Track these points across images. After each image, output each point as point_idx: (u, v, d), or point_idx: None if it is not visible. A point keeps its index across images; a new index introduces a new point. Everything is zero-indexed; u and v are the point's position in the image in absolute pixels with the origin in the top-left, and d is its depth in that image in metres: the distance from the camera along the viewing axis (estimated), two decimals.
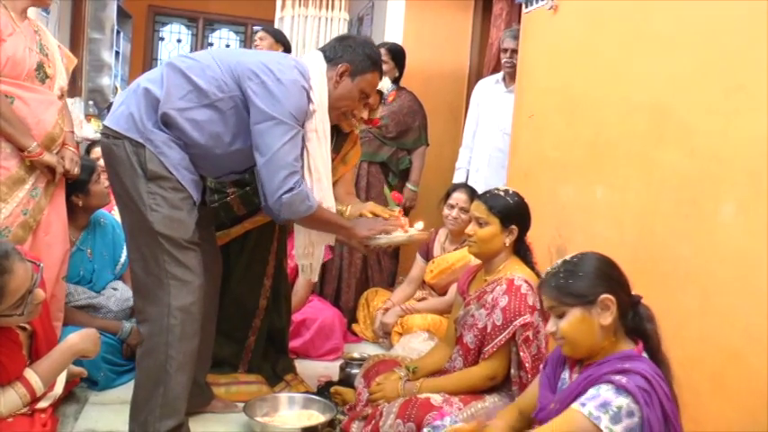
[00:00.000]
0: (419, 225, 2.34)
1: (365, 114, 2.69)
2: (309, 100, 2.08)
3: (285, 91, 2.00)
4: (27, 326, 2.09)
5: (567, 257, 1.61)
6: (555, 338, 1.58)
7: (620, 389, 1.42)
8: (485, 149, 3.78)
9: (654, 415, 1.40)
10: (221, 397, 2.55)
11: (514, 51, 3.47)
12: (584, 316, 1.51)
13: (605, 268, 1.56)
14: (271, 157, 1.98)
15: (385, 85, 3.80)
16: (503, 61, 3.73)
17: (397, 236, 2.25)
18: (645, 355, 1.52)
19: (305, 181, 2.09)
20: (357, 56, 2.16)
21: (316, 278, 2.52)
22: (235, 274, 2.66)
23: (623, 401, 1.40)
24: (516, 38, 3.36)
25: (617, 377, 1.43)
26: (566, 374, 1.64)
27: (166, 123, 2.01)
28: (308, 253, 2.37)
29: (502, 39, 3.75)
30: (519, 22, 3.28)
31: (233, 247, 2.65)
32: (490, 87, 3.85)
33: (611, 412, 1.39)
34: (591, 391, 1.45)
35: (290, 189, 1.99)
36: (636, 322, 1.56)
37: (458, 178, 3.93)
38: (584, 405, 1.42)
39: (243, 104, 2.03)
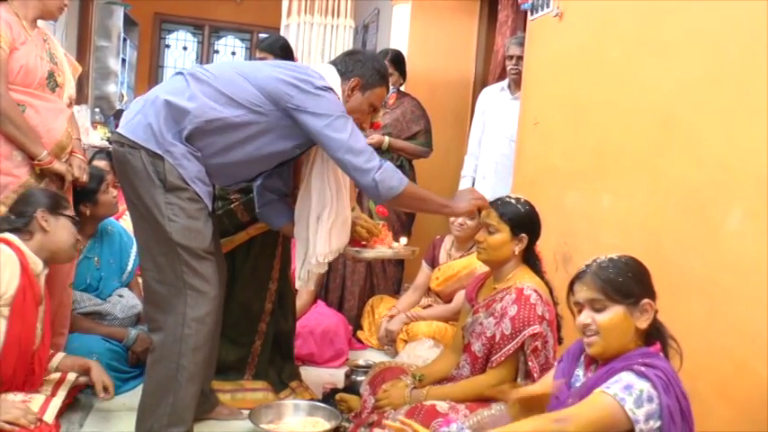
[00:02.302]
0: (403, 240, 2.43)
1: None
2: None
3: (323, 91, 2.04)
4: None
5: (614, 256, 1.59)
6: (586, 331, 1.55)
7: (640, 375, 1.44)
8: (491, 157, 3.77)
9: (672, 402, 1.42)
10: (227, 404, 2.55)
11: (520, 58, 3.46)
12: (625, 315, 1.52)
13: (648, 274, 1.59)
14: (346, 149, 2.01)
15: None
16: (508, 68, 3.71)
17: (383, 251, 2.32)
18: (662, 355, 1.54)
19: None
20: (367, 70, 2.18)
21: (312, 286, 2.53)
22: (240, 279, 2.67)
23: (644, 385, 1.43)
24: (522, 45, 3.36)
25: (637, 367, 1.46)
26: (580, 372, 1.64)
27: (188, 136, 2.01)
28: (320, 262, 2.32)
29: (507, 46, 3.74)
30: (524, 29, 3.28)
31: (238, 252, 2.65)
32: (496, 95, 3.84)
33: (635, 395, 1.42)
34: (613, 379, 1.47)
35: (378, 167, 2.02)
36: (655, 331, 1.57)
37: (463, 186, 3.92)
38: (608, 388, 1.45)
39: (277, 119, 2.05)
